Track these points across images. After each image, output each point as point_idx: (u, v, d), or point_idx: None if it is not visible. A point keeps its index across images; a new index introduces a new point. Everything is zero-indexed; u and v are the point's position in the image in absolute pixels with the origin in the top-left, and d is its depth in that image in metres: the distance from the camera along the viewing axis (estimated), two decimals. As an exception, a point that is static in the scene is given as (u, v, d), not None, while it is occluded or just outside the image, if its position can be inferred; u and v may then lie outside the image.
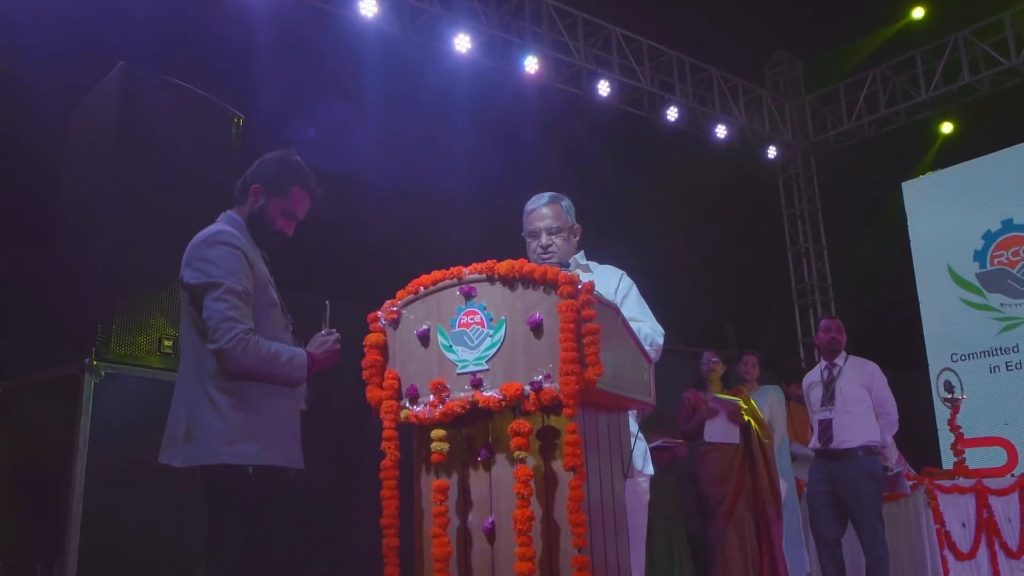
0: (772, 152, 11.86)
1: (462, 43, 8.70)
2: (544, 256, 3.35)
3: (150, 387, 3.58)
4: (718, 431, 5.98)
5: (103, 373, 3.44)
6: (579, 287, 2.46)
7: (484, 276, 2.61)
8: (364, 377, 2.70)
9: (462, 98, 8.29)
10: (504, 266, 2.57)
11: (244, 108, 4.44)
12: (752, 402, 6.23)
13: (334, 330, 2.88)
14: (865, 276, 10.57)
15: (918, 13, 10.45)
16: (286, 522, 2.68)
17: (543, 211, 3.40)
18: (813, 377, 5.92)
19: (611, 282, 3.37)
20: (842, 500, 5.42)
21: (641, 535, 3.25)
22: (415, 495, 2.65)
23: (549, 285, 2.51)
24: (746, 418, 6.04)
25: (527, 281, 2.55)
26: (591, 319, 2.42)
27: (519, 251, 3.24)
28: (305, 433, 2.81)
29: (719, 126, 11.03)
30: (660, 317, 3.39)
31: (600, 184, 11.22)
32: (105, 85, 3.96)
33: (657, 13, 10.41)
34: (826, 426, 5.59)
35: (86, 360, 3.43)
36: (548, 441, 2.48)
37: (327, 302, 2.90)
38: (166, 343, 3.72)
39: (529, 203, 3.47)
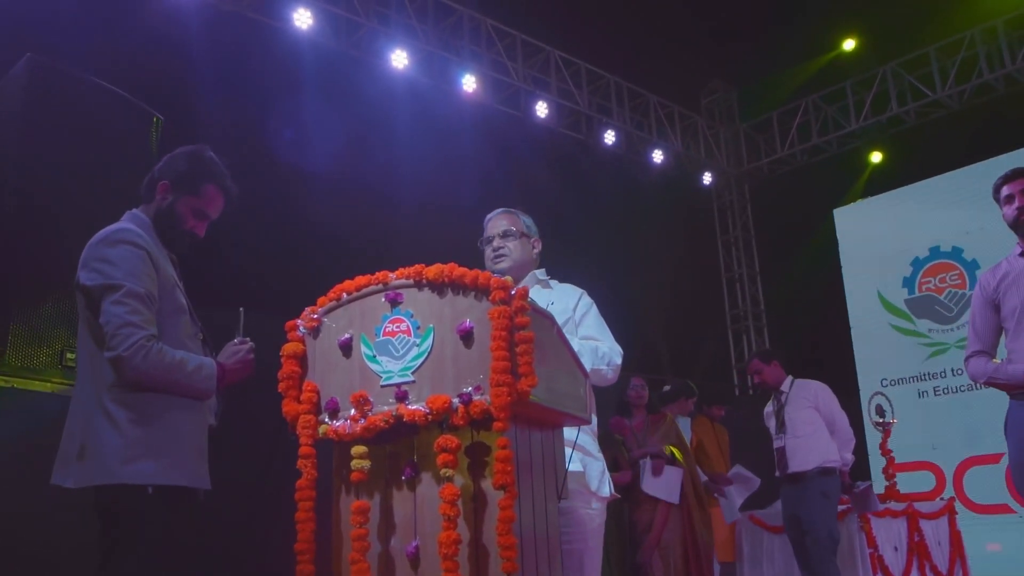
0: (707, 178, 11.99)
1: (399, 59, 8.57)
2: (496, 259, 3.28)
3: (50, 403, 3.29)
4: (659, 487, 5.77)
5: (-4, 387, 3.15)
6: (512, 292, 2.30)
7: (411, 281, 2.44)
8: (280, 390, 2.49)
9: (400, 114, 8.16)
10: (433, 270, 2.40)
11: (172, 114, 4.22)
12: (676, 425, 6.15)
13: (248, 339, 2.67)
14: (798, 302, 10.69)
15: (849, 44, 10.71)
16: (190, 548, 2.43)
17: (499, 219, 3.37)
18: (768, 408, 5.94)
19: (571, 300, 3.27)
20: (804, 525, 5.39)
21: (595, 560, 3.09)
22: (333, 518, 2.44)
23: (480, 290, 2.35)
24: (678, 456, 5.92)
25: (457, 286, 2.38)
26: (524, 327, 2.27)
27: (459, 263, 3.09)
28: (214, 450, 2.58)
29: (656, 151, 11.10)
30: None
31: (539, 204, 11.14)
32: (10, 77, 3.68)
33: (595, 37, 10.45)
34: (781, 453, 5.61)
35: (-25, 373, 3.14)
36: (477, 458, 2.31)
37: (241, 309, 2.69)
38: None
39: (488, 215, 3.43)
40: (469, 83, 9.12)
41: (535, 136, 10.17)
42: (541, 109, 9.85)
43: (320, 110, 7.11)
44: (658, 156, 11.13)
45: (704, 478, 6.32)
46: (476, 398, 2.26)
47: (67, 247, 3.17)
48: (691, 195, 12.32)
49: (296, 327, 2.55)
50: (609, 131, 10.60)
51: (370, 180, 7.20)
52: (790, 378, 5.82)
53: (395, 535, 2.36)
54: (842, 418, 5.64)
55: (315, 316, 2.54)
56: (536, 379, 2.24)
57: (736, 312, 12.16)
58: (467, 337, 2.33)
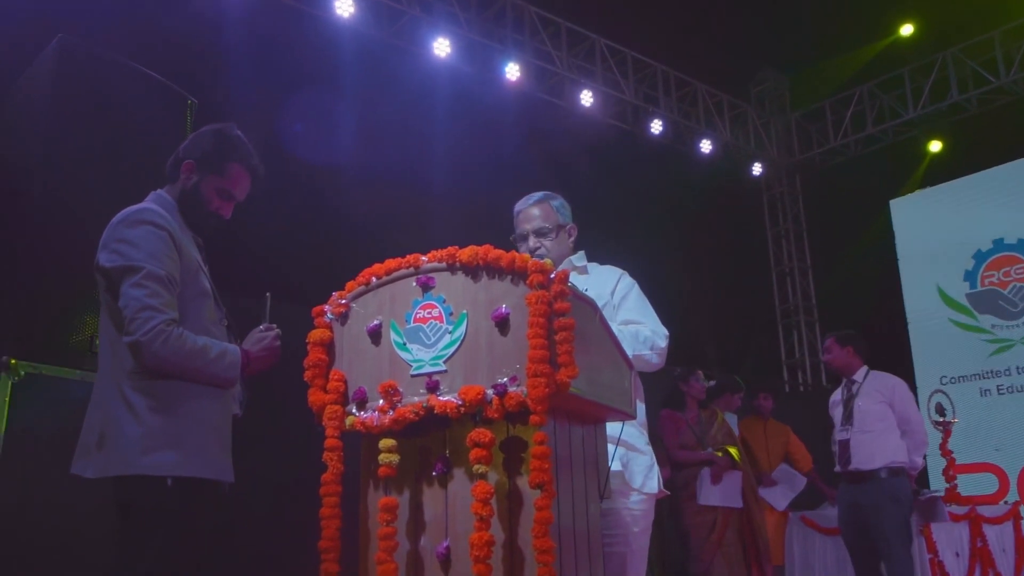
0: (757, 169, 11.66)
1: (441, 47, 8.42)
2: None
3: (79, 390, 3.18)
4: (720, 494, 5.53)
5: (23, 372, 3.08)
6: (552, 276, 2.14)
7: (444, 265, 2.29)
8: (306, 378, 2.37)
9: (440, 103, 8.02)
10: (466, 253, 2.25)
11: (207, 100, 4.13)
12: (726, 421, 5.93)
13: (274, 325, 2.54)
14: (852, 296, 10.31)
15: (907, 30, 10.29)
16: (210, 543, 2.32)
17: (531, 211, 3.14)
18: (835, 396, 5.61)
19: (608, 283, 3.08)
20: (867, 529, 5.11)
21: (638, 563, 2.92)
22: (361, 514, 2.31)
23: (517, 274, 2.19)
24: (736, 456, 5.68)
25: (492, 270, 2.23)
26: (564, 313, 2.10)
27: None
28: (238, 441, 2.46)
29: (704, 141, 10.81)
30: None
31: (582, 195, 10.95)
32: (42, 59, 3.62)
33: (642, 25, 10.20)
34: (844, 447, 5.30)
35: (3, 358, 3.06)
36: (513, 454, 2.15)
37: (267, 294, 2.57)
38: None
39: (518, 203, 3.20)
40: (512, 72, 8.95)
41: (579, 126, 9.96)
42: (586, 98, 9.63)
43: (359, 98, 7.01)
44: (706, 146, 10.83)
45: None
46: (512, 389, 2.10)
47: (97, 232, 3.07)
48: (740, 187, 11.99)
49: (323, 313, 2.42)
50: (656, 121, 10.34)
51: (407, 169, 7.09)
52: (865, 368, 5.47)
53: (425, 534, 2.21)
54: (918, 419, 5.29)
55: (343, 301, 2.41)
56: (576, 370, 2.08)
57: (786, 307, 11.82)
58: (503, 324, 2.18)
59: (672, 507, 5.75)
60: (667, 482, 5.87)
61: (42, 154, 3.40)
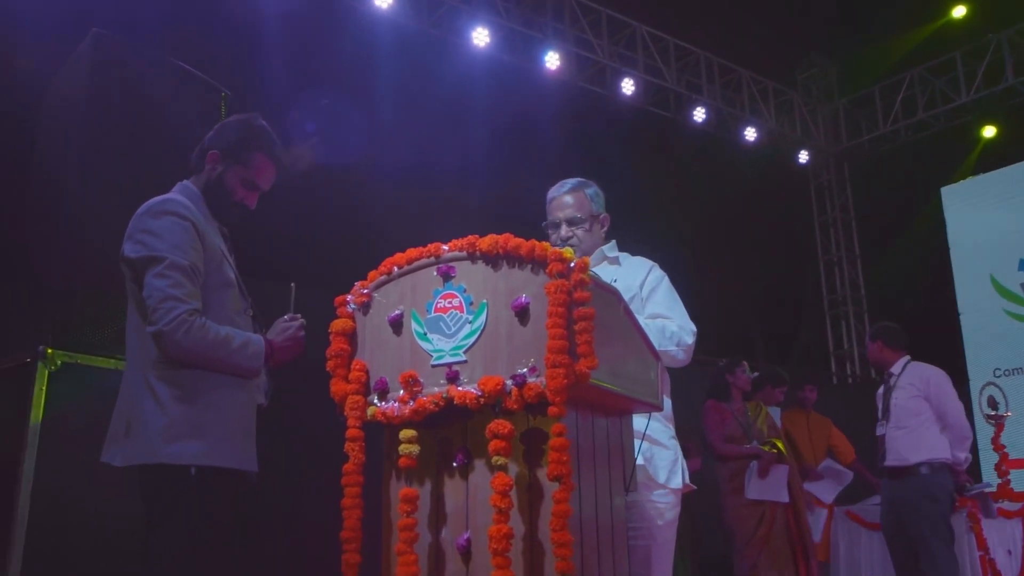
0: (804, 157, 11.43)
1: (480, 37, 8.39)
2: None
3: (115, 379, 3.23)
4: (767, 488, 5.43)
5: (59, 362, 3.13)
6: (571, 265, 2.10)
7: (464, 253, 2.26)
8: (329, 368, 2.36)
9: (478, 93, 8.00)
10: (486, 241, 2.22)
11: (243, 92, 4.17)
12: (769, 414, 5.82)
13: (299, 315, 2.54)
14: (901, 286, 10.08)
15: (959, 12, 9.99)
16: (234, 532, 2.32)
17: (565, 199, 3.07)
18: (880, 390, 5.48)
19: (638, 275, 3.02)
20: (905, 527, 4.98)
21: (664, 556, 2.87)
22: (383, 505, 2.30)
23: (537, 263, 2.15)
24: (782, 449, 5.57)
25: (512, 259, 2.19)
26: (584, 302, 2.06)
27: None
28: (263, 431, 2.47)
29: (748, 129, 10.63)
30: None
31: (622, 185, 10.86)
32: (78, 54, 3.68)
33: (684, 11, 10.07)
34: (881, 442, 5.19)
35: (40, 347, 3.12)
36: (533, 446, 2.11)
37: (292, 284, 2.57)
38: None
39: (551, 190, 3.14)
40: (552, 60, 8.89)
41: (621, 114, 9.88)
42: (627, 86, 9.53)
43: (396, 89, 7.02)
44: (751, 134, 10.65)
45: None
46: (531, 380, 2.07)
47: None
48: (786, 175, 11.79)
49: (346, 303, 2.41)
50: (699, 108, 10.18)
51: (443, 159, 7.08)
52: (903, 360, 5.29)
53: (446, 526, 2.19)
54: (956, 411, 5.09)
55: (365, 291, 2.39)
56: (596, 360, 2.03)
57: (834, 297, 11.58)
58: (523, 313, 2.14)
59: (716, 501, 5.67)
60: (694, 475, 5.81)
61: (78, 148, 3.45)
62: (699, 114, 10.16)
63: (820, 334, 11.86)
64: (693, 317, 3.00)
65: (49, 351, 3.13)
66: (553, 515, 1.97)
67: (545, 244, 2.16)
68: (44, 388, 3.08)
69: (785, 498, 5.36)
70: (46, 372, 3.09)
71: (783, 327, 14.78)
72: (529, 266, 2.17)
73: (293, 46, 6.45)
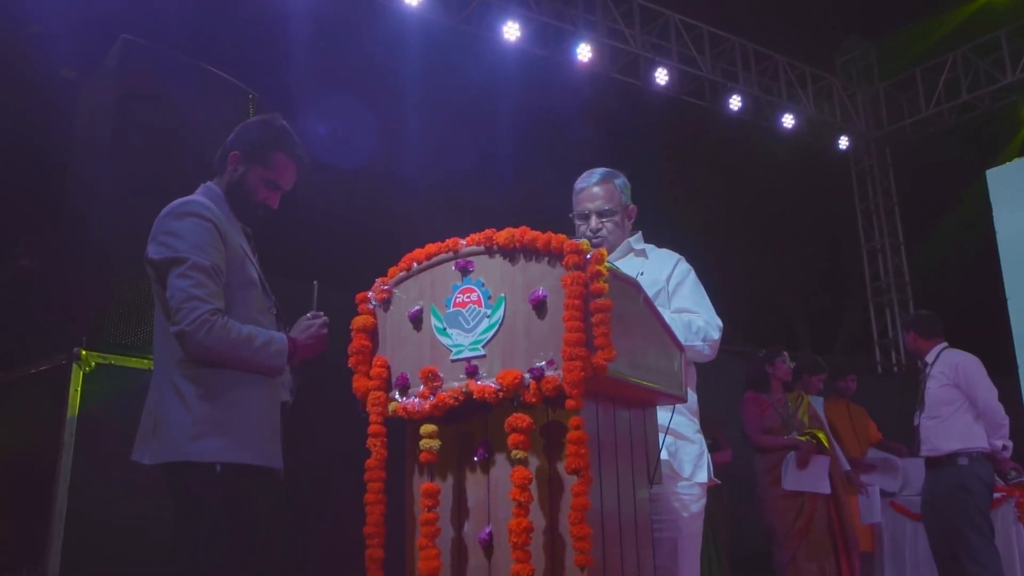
0: (844, 143, 11.22)
1: (511, 31, 8.37)
2: (594, 241, 2.99)
3: (148, 379, 3.30)
4: (806, 479, 5.33)
5: (93, 364, 3.20)
6: (588, 256, 2.08)
7: (482, 248, 2.26)
8: (351, 365, 2.38)
9: (508, 88, 7.98)
10: (503, 235, 2.21)
11: (271, 92, 4.21)
12: (811, 404, 5.72)
13: (321, 313, 2.56)
14: (947, 271, 9.85)
15: (1003, -11, 9.72)
16: (260, 528, 2.35)
17: (594, 190, 3.05)
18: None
19: (664, 268, 2.99)
20: (940, 516, 4.89)
21: (691, 549, 2.84)
22: (406, 500, 2.30)
23: (554, 256, 2.14)
24: (823, 440, 5.48)
25: (529, 252, 2.18)
26: (600, 294, 2.04)
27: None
28: (289, 427, 2.49)
29: (786, 115, 10.46)
30: (717, 311, 2.96)
31: (657, 176, 10.77)
32: (108, 61, 3.75)
33: (718, -1, 9.95)
34: (916, 432, 5.10)
35: (75, 349, 3.19)
36: (553, 439, 2.11)
37: (315, 282, 2.59)
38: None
39: (579, 180, 3.11)
40: (584, 53, 8.83)
41: (654, 105, 9.79)
42: (661, 76, 9.43)
43: (426, 86, 7.04)
44: (788, 121, 10.48)
45: (846, 467, 5.86)
46: (549, 373, 2.06)
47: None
48: (826, 161, 11.59)
49: (367, 299, 2.42)
50: (735, 97, 10.04)
51: (472, 155, 7.08)
52: (938, 348, 5.19)
53: (468, 520, 2.20)
54: (988, 397, 4.95)
55: (385, 288, 2.40)
56: (614, 352, 2.02)
57: (878, 284, 11.36)
58: (540, 307, 2.13)
59: (754, 494, 5.61)
60: (726, 468, 5.72)
61: (109, 153, 3.52)
62: (735, 102, 10.03)
63: (864, 322, 11.65)
64: (734, 308, 2.99)
65: (83, 353, 3.20)
66: (571, 508, 1.96)
67: (562, 236, 2.14)
68: (79, 389, 3.15)
69: (826, 489, 5.27)
70: (80, 373, 3.16)
71: (827, 316, 14.55)
72: (546, 259, 2.16)
73: (321, 46, 6.50)
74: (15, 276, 4.52)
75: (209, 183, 2.60)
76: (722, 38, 10.02)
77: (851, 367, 7.04)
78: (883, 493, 6.41)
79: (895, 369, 10.96)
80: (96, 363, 3.21)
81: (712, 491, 4.89)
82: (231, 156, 2.58)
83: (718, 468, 5.55)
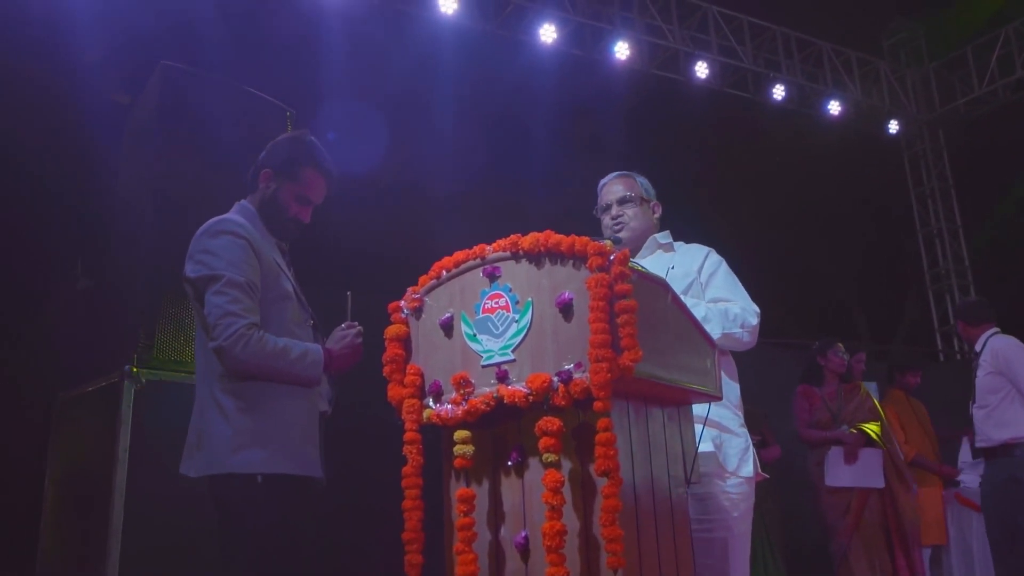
0: (894, 127, 10.97)
1: (547, 33, 8.38)
2: (615, 227, 3.11)
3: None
4: (854, 475, 5.21)
5: (144, 380, 3.30)
6: (612, 258, 2.08)
7: (508, 253, 2.27)
8: (385, 373, 2.41)
9: (546, 90, 7.99)
10: (529, 240, 2.22)
11: (313, 110, 4.30)
12: (870, 395, 5.60)
13: (356, 323, 2.61)
14: (1008, 254, 9.55)
15: (1054, -41, 9.40)
16: (303, 536, 2.40)
17: (613, 185, 3.20)
18: None
19: (695, 261, 3.03)
20: (996, 508, 4.77)
21: (740, 547, 2.83)
22: (443, 505, 2.33)
23: (578, 258, 2.15)
24: (873, 433, 5.36)
25: (554, 255, 2.19)
26: (625, 295, 2.04)
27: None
28: (328, 436, 2.54)
29: (832, 102, 10.26)
30: (773, 306, 2.96)
31: (703, 170, 10.68)
32: (149, 87, 3.86)
33: (757, -13, 9.81)
34: (971, 423, 4.97)
35: (126, 367, 3.30)
36: (584, 441, 2.11)
37: (348, 293, 2.63)
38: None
39: (602, 180, 3.27)
40: (622, 51, 8.79)
41: (697, 99, 9.70)
42: (701, 70, 9.34)
43: (463, 92, 7.08)
44: (835, 108, 10.27)
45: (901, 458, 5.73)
46: (577, 376, 2.07)
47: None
48: (877, 147, 11.34)
49: (399, 308, 2.46)
50: (778, 86, 9.89)
51: (508, 159, 7.11)
52: (987, 335, 5.06)
53: (504, 524, 2.21)
54: None
55: (416, 296, 2.44)
56: (640, 353, 2.01)
57: (937, 271, 11.07)
58: (566, 309, 2.14)
59: (806, 490, 5.53)
60: (775, 464, 5.62)
61: (153, 175, 3.62)
62: (779, 92, 9.87)
63: (924, 310, 11.36)
64: (790, 301, 2.99)
65: (135, 370, 3.30)
66: (603, 510, 1.97)
67: (585, 239, 2.15)
68: (131, 405, 3.25)
69: (879, 483, 5.17)
70: (132, 390, 3.26)
71: (886, 306, 14.24)
72: (571, 262, 2.17)
73: (358, 57, 6.60)
74: (74, 297, 4.68)
75: (243, 201, 2.67)
76: (763, 28, 9.88)
77: (915, 361, 6.84)
78: (947, 484, 6.25)
79: (957, 357, 10.66)
80: (147, 380, 3.31)
81: (766, 487, 4.84)
82: (263, 174, 2.64)
83: (766, 464, 5.49)
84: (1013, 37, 9.98)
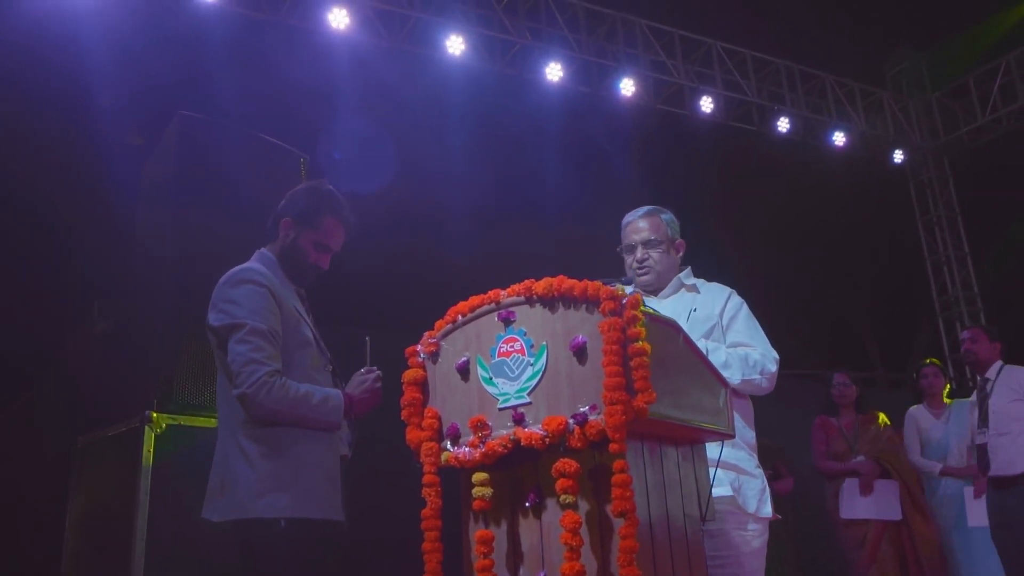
0: (899, 156, 11.05)
1: (554, 72, 8.51)
2: (640, 271, 3.11)
3: (214, 436, 3.45)
4: (870, 507, 5.21)
5: (164, 425, 3.36)
6: (624, 302, 2.14)
7: (522, 298, 2.33)
8: (403, 417, 2.46)
9: (554, 127, 8.10)
10: (542, 285, 2.28)
11: (326, 153, 4.40)
12: (888, 426, 5.60)
13: (375, 368, 2.66)
14: (1017, 281, 9.57)
15: (1052, -10, 9.52)
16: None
17: (639, 224, 3.16)
18: (972, 398, 5.28)
19: (716, 303, 3.06)
20: (1019, 540, 4.74)
21: None
22: (463, 547, 2.37)
23: (591, 302, 2.20)
24: (894, 471, 5.36)
25: (568, 300, 2.25)
26: (638, 339, 2.09)
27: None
28: (348, 479, 2.59)
29: (836, 134, 10.36)
30: (784, 338, 3.01)
31: (710, 203, 10.76)
32: (167, 135, 3.97)
33: (759, 23, 9.96)
34: (983, 452, 4.97)
35: (146, 412, 3.36)
36: (601, 482, 2.15)
37: (367, 338, 2.69)
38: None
39: (626, 216, 3.24)
40: (628, 87, 8.92)
41: (703, 133, 9.82)
42: (706, 104, 9.46)
43: (472, 132, 7.20)
44: (839, 139, 10.37)
45: None
46: (592, 418, 2.11)
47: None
48: (882, 176, 11.41)
49: (416, 353, 2.51)
50: (783, 119, 10.00)
51: (517, 196, 7.20)
52: (999, 364, 5.12)
53: (523, 565, 2.24)
54: None
55: (433, 340, 2.49)
56: (654, 395, 2.06)
57: (946, 298, 11.08)
58: (580, 353, 2.19)
59: (820, 522, 5.52)
60: (787, 497, 5.59)
61: (172, 223, 3.71)
62: (783, 124, 9.98)
63: (934, 338, 11.36)
64: (803, 331, 3.03)
65: (154, 415, 3.36)
66: (620, 551, 2.00)
67: (597, 284, 2.21)
68: (152, 449, 3.30)
69: (895, 515, 5.16)
70: (152, 435, 3.32)
71: (897, 334, 14.24)
72: (584, 306, 2.22)
73: (369, 98, 6.73)
74: (92, 342, 4.76)
75: (263, 249, 2.75)
76: (766, 62, 10.01)
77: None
78: None
79: (970, 384, 10.63)
80: (166, 424, 3.37)
81: (782, 525, 4.84)
82: (283, 222, 2.72)
83: (780, 497, 5.49)
84: (1014, 65, 10.08)
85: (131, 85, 5.65)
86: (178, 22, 5.63)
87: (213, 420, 3.48)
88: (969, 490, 5.21)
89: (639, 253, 3.11)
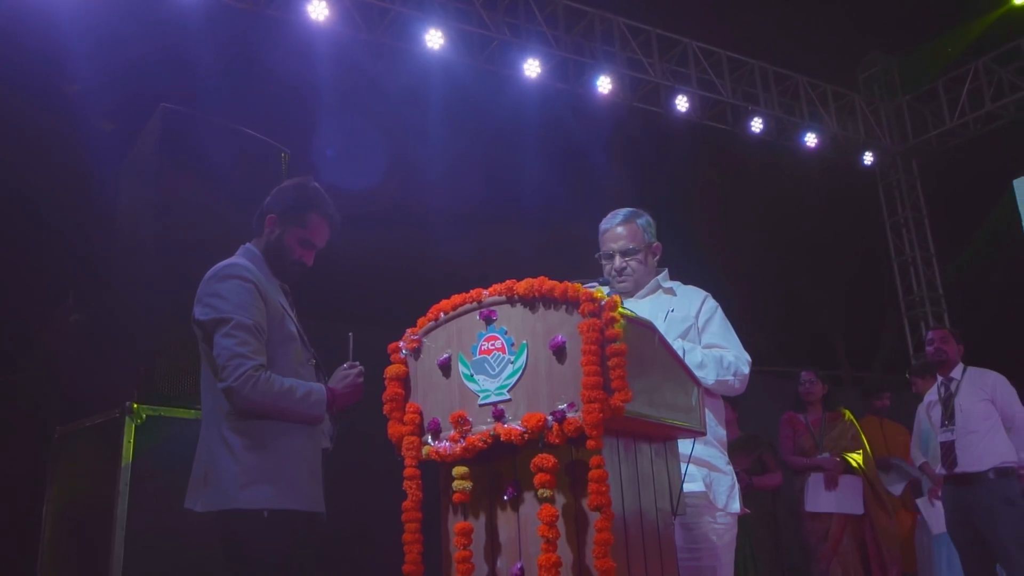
0: (869, 158, 11.24)
1: (531, 68, 8.57)
2: (619, 280, 3.16)
3: (195, 428, 3.48)
4: (833, 501, 5.36)
5: (144, 416, 3.39)
6: (602, 304, 2.22)
7: (504, 298, 2.40)
8: (385, 412, 2.53)
9: (532, 124, 8.17)
10: (523, 285, 2.35)
11: (307, 147, 4.42)
12: (854, 423, 5.75)
13: (357, 363, 2.72)
14: (980, 284, 9.80)
15: (1020, -1, 9.73)
16: (307, 570, 2.50)
17: (617, 231, 3.21)
18: (931, 395, 5.42)
19: (692, 305, 3.15)
20: (980, 533, 4.90)
21: (726, 574, 2.95)
22: (442, 538, 2.44)
23: (571, 304, 2.28)
24: (859, 467, 5.51)
25: (548, 300, 2.32)
26: (615, 339, 2.17)
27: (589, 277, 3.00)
28: (330, 472, 2.64)
29: (808, 134, 10.52)
30: (758, 337, 3.12)
31: (683, 201, 10.89)
32: (149, 127, 3.98)
33: (735, 23, 10.08)
34: (948, 449, 5.10)
35: (127, 403, 3.39)
36: (578, 477, 2.23)
37: (350, 333, 2.75)
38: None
39: (604, 221, 3.27)
40: (604, 85, 9.00)
41: (677, 131, 9.93)
42: (682, 103, 9.57)
43: (452, 128, 7.25)
44: (811, 140, 10.54)
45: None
46: (570, 415, 2.19)
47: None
48: (852, 177, 11.60)
49: (398, 349, 2.57)
50: (756, 119, 10.14)
51: (496, 192, 7.27)
52: (962, 365, 5.28)
53: (501, 556, 2.32)
54: (1023, 415, 5.05)
55: (415, 337, 2.55)
56: (630, 394, 2.14)
57: (911, 298, 11.31)
58: (560, 352, 2.27)
59: (793, 512, 5.67)
60: (777, 490, 5.76)
61: (154, 216, 3.73)
62: (757, 124, 10.12)
63: (899, 337, 11.59)
64: (773, 329, 3.13)
65: (135, 406, 3.38)
66: (595, 543, 2.08)
67: (577, 285, 2.28)
68: (132, 440, 3.33)
69: (858, 510, 5.31)
70: (133, 426, 3.34)
71: (864, 333, 14.49)
72: (564, 307, 2.30)
73: (349, 93, 6.74)
74: (68, 331, 4.76)
75: (248, 244, 2.79)
76: (741, 62, 10.14)
77: (886, 385, 7.04)
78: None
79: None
80: (147, 415, 3.40)
81: (751, 519, 4.96)
82: (268, 219, 2.76)
83: (768, 491, 5.64)
84: (983, 72, 10.30)
85: (109, 72, 5.62)
86: (159, 9, 5.62)
87: (193, 412, 3.53)
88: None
89: (618, 262, 3.17)
